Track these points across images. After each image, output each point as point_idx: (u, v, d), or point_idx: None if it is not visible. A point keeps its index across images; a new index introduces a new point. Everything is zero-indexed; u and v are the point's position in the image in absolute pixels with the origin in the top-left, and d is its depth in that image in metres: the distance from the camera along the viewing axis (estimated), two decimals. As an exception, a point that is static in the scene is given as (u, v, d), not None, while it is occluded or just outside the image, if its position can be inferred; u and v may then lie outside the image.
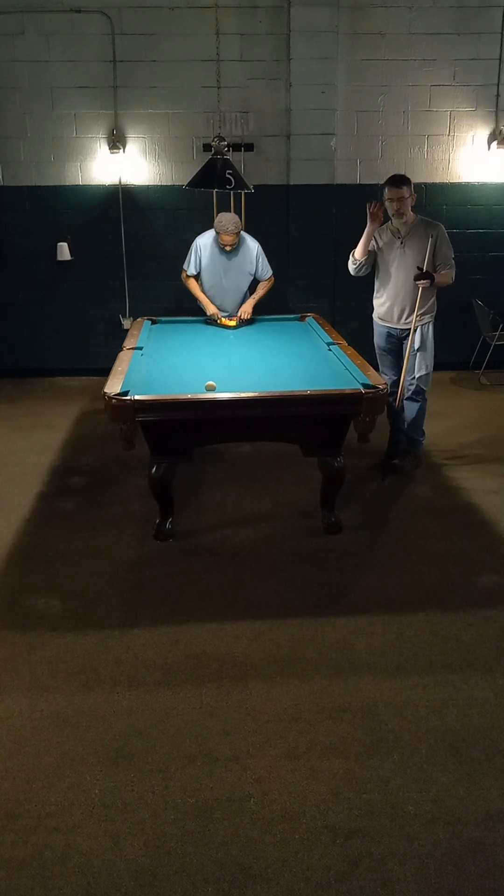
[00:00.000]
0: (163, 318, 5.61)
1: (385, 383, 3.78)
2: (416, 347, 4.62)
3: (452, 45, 6.52)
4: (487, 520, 4.18)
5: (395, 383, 4.77)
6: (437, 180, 6.86)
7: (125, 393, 3.56)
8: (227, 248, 5.13)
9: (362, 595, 3.47)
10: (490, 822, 2.25)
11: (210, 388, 3.69)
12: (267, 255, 5.36)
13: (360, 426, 3.69)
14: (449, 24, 6.46)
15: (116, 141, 6.56)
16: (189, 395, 3.61)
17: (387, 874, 2.09)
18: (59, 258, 6.81)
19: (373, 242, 4.64)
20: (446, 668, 2.94)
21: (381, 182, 6.72)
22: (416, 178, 6.77)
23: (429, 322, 4.67)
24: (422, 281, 4.41)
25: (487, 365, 6.87)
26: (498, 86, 6.64)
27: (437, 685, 2.85)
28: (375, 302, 4.83)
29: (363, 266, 4.71)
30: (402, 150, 6.77)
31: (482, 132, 6.75)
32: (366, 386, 3.67)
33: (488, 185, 6.86)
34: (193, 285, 5.35)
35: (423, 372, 4.69)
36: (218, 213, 5.84)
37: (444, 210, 6.89)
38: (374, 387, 3.66)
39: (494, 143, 6.69)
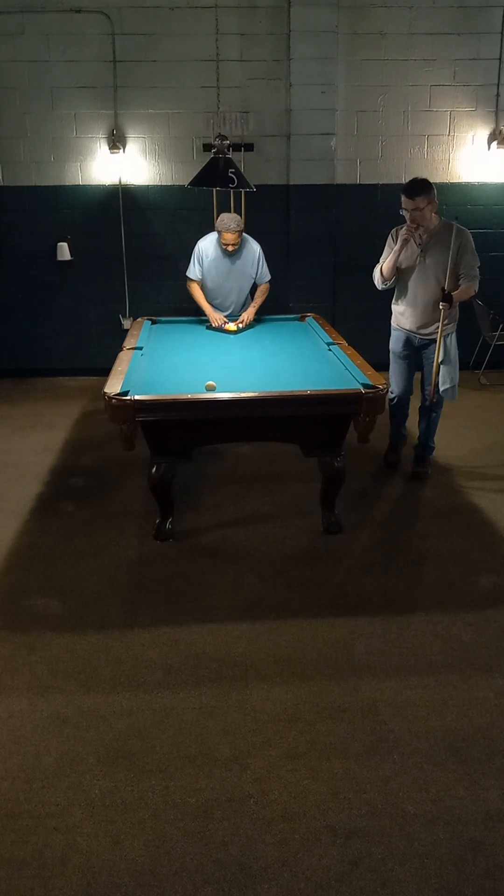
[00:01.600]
0: (163, 318, 5.61)
1: (384, 383, 3.76)
2: (440, 360, 4.42)
3: (452, 45, 6.52)
4: (487, 520, 4.18)
5: (405, 392, 4.73)
6: (437, 180, 6.80)
7: (125, 393, 3.56)
8: (230, 249, 5.10)
9: (362, 595, 3.47)
10: (490, 822, 2.25)
11: (210, 389, 3.69)
12: (267, 255, 5.35)
13: (360, 426, 3.69)
14: (449, 24, 6.46)
15: (116, 141, 6.57)
16: (189, 395, 3.61)
17: (387, 874, 2.09)
18: (59, 258, 6.81)
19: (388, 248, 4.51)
20: (446, 668, 2.94)
21: (381, 182, 6.82)
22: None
23: (451, 332, 4.49)
24: (443, 304, 4.28)
25: (487, 365, 6.87)
26: (498, 86, 6.65)
27: (437, 685, 2.85)
28: (395, 309, 4.64)
29: (391, 283, 4.52)
30: (402, 150, 6.77)
31: (482, 132, 6.75)
32: (366, 386, 3.67)
33: (488, 185, 6.86)
34: (198, 294, 5.29)
35: (448, 385, 4.46)
36: (218, 213, 5.83)
37: (444, 210, 6.85)
38: (374, 387, 3.65)
39: (494, 143, 6.69)
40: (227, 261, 5.20)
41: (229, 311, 5.36)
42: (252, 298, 5.38)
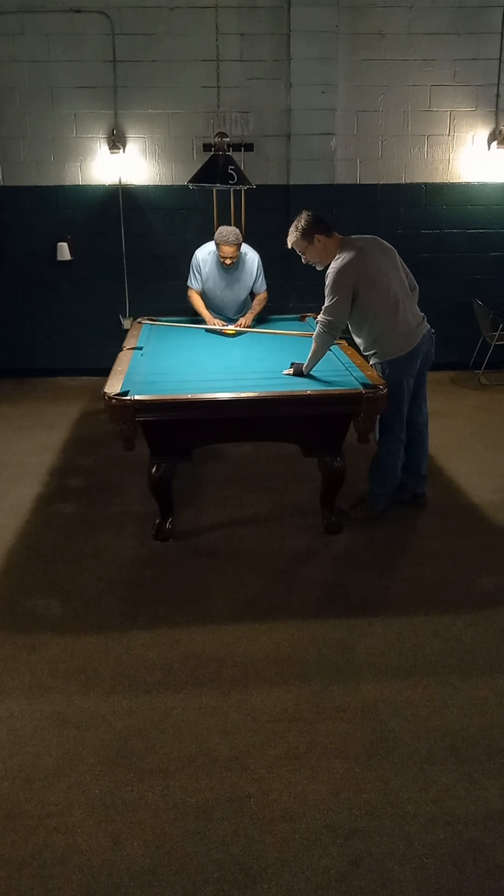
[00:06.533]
0: (163, 318, 5.61)
1: (384, 383, 3.76)
2: None
3: (452, 45, 6.52)
4: (487, 520, 4.18)
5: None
6: (437, 180, 6.86)
7: (125, 393, 3.56)
8: (227, 262, 5.05)
9: (362, 595, 3.47)
10: (490, 822, 2.25)
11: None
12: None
13: (360, 426, 3.69)
14: (449, 24, 6.46)
15: (116, 141, 6.57)
16: (189, 395, 3.61)
17: (387, 874, 2.09)
18: (59, 258, 6.81)
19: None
20: (446, 669, 2.94)
21: (381, 182, 6.82)
22: (416, 178, 6.84)
23: (378, 362, 4.00)
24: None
25: (487, 365, 6.87)
26: (498, 86, 6.65)
27: (437, 685, 2.85)
28: (392, 337, 3.92)
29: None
30: (402, 150, 6.77)
31: (482, 132, 6.75)
32: (366, 386, 3.67)
33: (488, 185, 6.86)
34: (198, 302, 5.26)
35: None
36: (219, 213, 5.84)
37: (444, 210, 6.90)
38: (374, 387, 3.66)
39: (494, 143, 6.69)
40: (224, 275, 5.18)
41: (229, 318, 5.34)
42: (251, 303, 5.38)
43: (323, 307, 3.88)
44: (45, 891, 2.06)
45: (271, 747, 2.55)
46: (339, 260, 3.82)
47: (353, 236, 3.98)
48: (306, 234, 3.87)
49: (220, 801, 2.33)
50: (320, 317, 3.89)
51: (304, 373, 3.94)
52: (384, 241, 4.01)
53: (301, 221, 3.89)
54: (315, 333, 3.93)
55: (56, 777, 2.43)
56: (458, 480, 4.69)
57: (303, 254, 3.97)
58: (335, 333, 3.92)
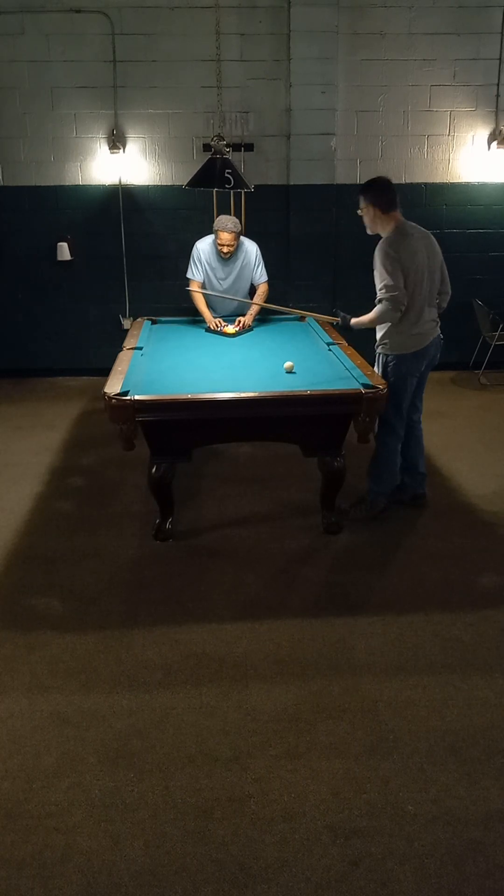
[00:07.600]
0: (163, 318, 5.61)
1: (385, 383, 3.76)
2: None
3: (452, 45, 6.51)
4: (487, 520, 4.18)
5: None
6: (437, 180, 6.85)
7: (125, 393, 3.56)
8: (226, 250, 5.05)
9: (362, 595, 3.47)
10: (490, 822, 2.25)
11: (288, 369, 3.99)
12: (267, 255, 5.33)
13: (360, 426, 3.69)
14: (449, 24, 6.46)
15: (116, 141, 6.57)
16: (189, 395, 3.61)
17: (387, 874, 2.09)
18: (59, 258, 6.81)
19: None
20: (446, 668, 2.94)
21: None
22: (416, 178, 6.84)
23: (385, 354, 4.03)
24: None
25: (487, 365, 6.87)
26: (498, 86, 6.65)
27: (437, 685, 2.85)
28: (400, 336, 3.96)
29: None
30: (402, 150, 6.77)
31: (482, 132, 6.75)
32: (366, 386, 3.67)
33: (488, 185, 6.86)
34: (198, 297, 5.24)
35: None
36: (218, 213, 5.83)
37: (444, 210, 6.90)
38: (374, 387, 3.65)
39: (494, 143, 6.69)
40: (223, 266, 5.17)
41: (229, 315, 5.33)
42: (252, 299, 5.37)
43: (382, 287, 3.82)
44: (45, 891, 2.06)
45: (271, 747, 2.55)
46: (389, 241, 3.85)
47: (411, 223, 4.01)
48: (366, 198, 3.92)
49: (220, 801, 2.33)
50: (384, 295, 3.81)
51: (351, 325, 4.06)
52: (435, 243, 4.07)
53: (371, 186, 3.93)
54: (379, 308, 3.87)
55: (56, 777, 2.44)
56: (458, 480, 4.69)
57: (360, 209, 3.99)
58: (401, 308, 3.83)
